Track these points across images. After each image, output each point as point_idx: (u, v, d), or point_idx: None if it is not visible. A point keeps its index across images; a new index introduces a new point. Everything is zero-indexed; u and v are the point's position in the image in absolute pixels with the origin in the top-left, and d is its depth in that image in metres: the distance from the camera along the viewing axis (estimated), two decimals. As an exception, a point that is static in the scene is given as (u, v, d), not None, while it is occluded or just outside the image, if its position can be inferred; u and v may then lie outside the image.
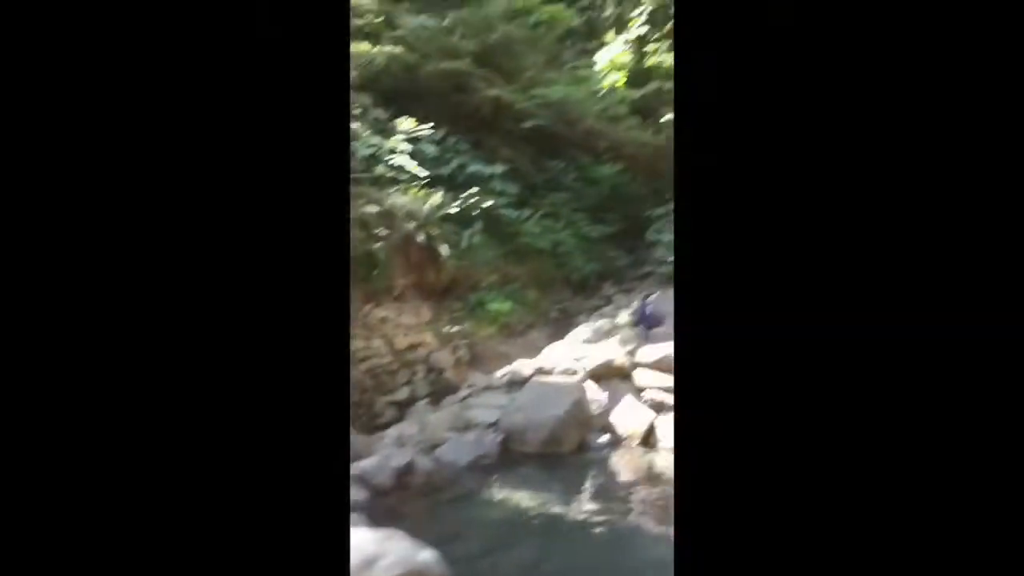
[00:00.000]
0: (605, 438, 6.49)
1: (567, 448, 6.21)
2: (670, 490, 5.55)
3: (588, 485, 5.66)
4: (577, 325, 8.66)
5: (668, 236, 9.40)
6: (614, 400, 6.77)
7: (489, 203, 9.01)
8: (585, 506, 5.19)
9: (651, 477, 5.85)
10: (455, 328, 8.15)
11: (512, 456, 6.13)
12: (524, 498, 5.29)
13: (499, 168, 9.70)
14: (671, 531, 4.92)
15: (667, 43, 11.55)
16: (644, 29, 11.50)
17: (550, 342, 8.21)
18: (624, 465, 6.14)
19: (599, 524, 4.86)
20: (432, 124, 9.27)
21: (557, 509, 5.07)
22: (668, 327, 7.75)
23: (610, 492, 5.49)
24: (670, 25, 11.78)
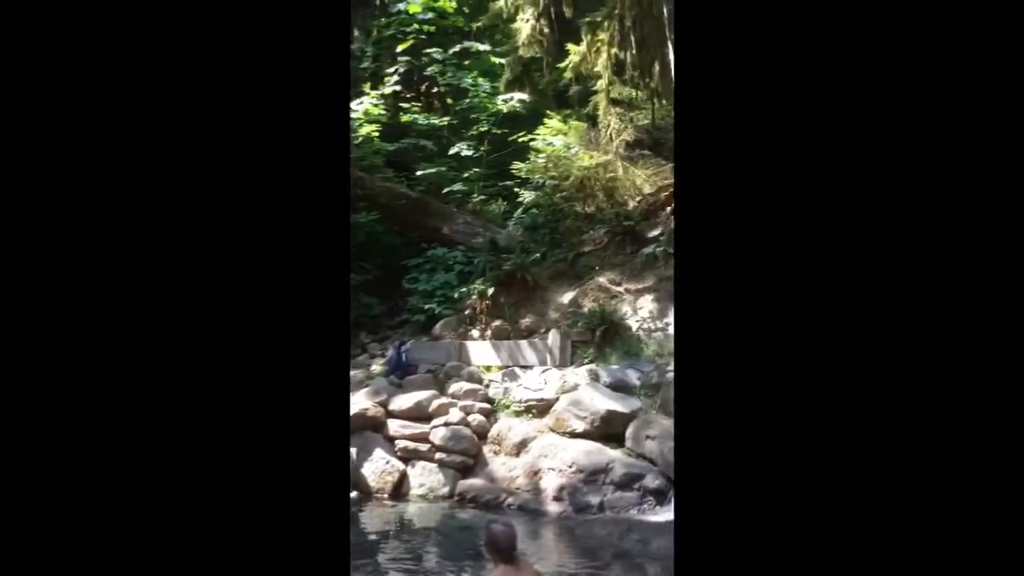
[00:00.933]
0: (353, 494, 6.19)
1: (313, 510, 5.78)
2: (418, 542, 5.47)
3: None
4: (329, 377, 8.26)
5: (423, 285, 9.58)
6: (365, 453, 6.55)
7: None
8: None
9: (403, 529, 5.72)
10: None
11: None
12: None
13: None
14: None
15: (420, 103, 12.12)
16: (398, 88, 11.89)
17: (298, 397, 7.67)
18: (374, 520, 5.91)
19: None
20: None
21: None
22: (421, 374, 7.82)
23: (359, 551, 5.21)
24: (424, 86, 12.42)
